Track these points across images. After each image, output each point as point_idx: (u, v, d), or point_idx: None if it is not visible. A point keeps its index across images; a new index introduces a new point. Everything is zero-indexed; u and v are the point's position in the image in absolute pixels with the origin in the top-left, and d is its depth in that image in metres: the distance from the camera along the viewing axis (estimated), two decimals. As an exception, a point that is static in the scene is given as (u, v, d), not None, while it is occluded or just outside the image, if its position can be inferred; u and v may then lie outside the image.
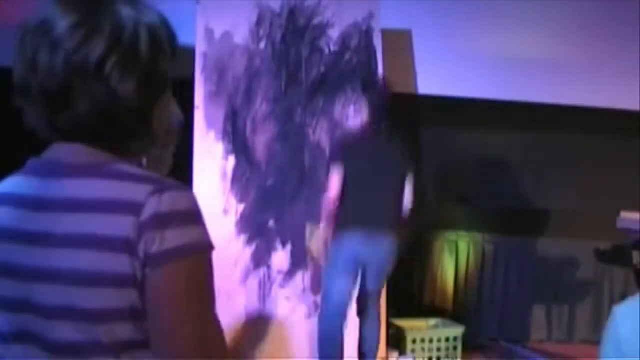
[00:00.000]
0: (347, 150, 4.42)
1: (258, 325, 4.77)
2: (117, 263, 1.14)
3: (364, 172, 4.36)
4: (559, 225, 5.90)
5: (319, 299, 4.93)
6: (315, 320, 4.68)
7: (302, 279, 4.94)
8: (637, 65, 5.60)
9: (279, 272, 4.91)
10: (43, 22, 1.19)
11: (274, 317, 4.87)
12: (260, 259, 4.90)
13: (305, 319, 4.91)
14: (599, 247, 5.80)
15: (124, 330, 1.16)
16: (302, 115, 5.06)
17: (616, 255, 5.67)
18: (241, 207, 4.89)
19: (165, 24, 1.26)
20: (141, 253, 1.14)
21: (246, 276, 4.81)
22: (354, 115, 4.87)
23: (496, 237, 5.93)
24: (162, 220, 1.14)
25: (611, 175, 5.69)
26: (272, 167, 5.01)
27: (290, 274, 4.94)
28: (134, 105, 1.20)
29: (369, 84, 4.69)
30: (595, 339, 5.77)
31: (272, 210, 4.97)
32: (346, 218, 4.36)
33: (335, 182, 4.33)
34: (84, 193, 1.18)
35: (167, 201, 1.15)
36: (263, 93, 5.01)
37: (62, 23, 1.18)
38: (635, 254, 5.14)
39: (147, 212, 1.14)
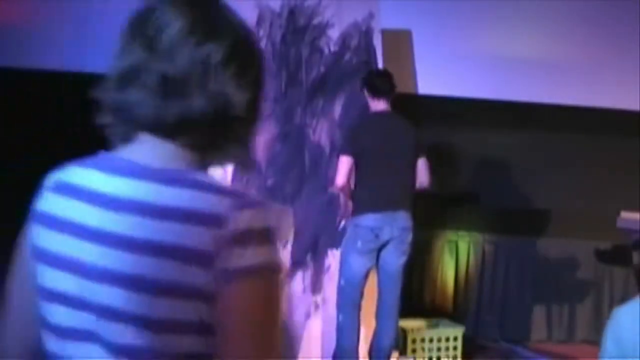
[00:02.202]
0: (358, 135, 4.56)
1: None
2: (192, 275, 1.12)
3: (378, 153, 4.52)
4: (559, 225, 5.90)
5: (319, 298, 4.94)
6: (315, 320, 4.68)
7: (302, 279, 4.95)
8: (637, 65, 5.60)
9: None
10: (163, 13, 1.18)
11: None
12: (260, 259, 4.90)
13: (305, 319, 4.91)
14: (599, 247, 5.80)
15: (189, 343, 1.14)
16: (302, 115, 5.06)
17: (616, 255, 5.67)
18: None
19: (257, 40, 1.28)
20: (218, 267, 1.12)
21: (246, 276, 4.81)
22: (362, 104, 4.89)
23: (496, 237, 5.93)
24: (243, 237, 1.13)
25: (611, 175, 5.69)
26: (272, 167, 5.01)
27: (290, 274, 4.94)
28: (244, 115, 1.20)
29: (369, 76, 4.79)
30: (595, 339, 5.77)
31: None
32: (364, 199, 4.54)
33: (343, 170, 4.48)
34: (163, 199, 1.15)
35: (248, 217, 1.14)
36: (263, 93, 5.01)
37: (184, 19, 1.17)
38: (635, 254, 5.15)
39: (229, 226, 1.13)
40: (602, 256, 5.81)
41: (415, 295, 5.83)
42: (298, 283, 4.94)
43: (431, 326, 5.34)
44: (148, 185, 1.17)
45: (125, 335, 1.14)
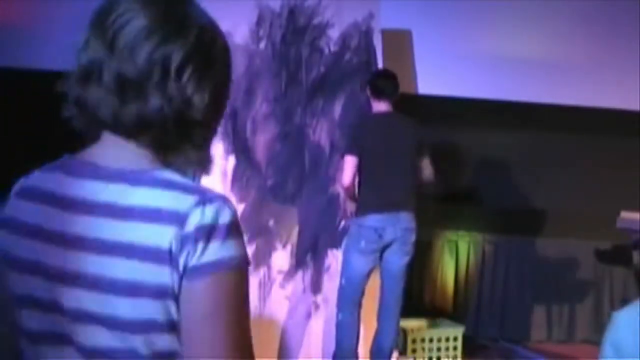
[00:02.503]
0: (362, 135, 4.57)
1: (258, 325, 4.77)
2: (158, 274, 1.12)
3: (382, 153, 4.53)
4: (559, 225, 5.91)
5: (319, 298, 4.94)
6: (315, 320, 4.68)
7: (302, 279, 4.94)
8: (637, 65, 5.60)
9: (279, 272, 4.91)
10: (124, 12, 1.16)
11: (274, 317, 4.87)
12: (260, 259, 4.90)
13: (305, 319, 4.91)
14: (599, 247, 5.81)
15: (161, 341, 1.14)
16: (302, 115, 5.06)
17: (616, 255, 5.67)
18: (241, 207, 4.89)
19: (224, 34, 1.25)
20: (181, 265, 1.12)
21: (246, 276, 4.80)
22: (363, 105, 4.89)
23: (496, 237, 5.94)
24: (205, 233, 1.12)
25: (611, 175, 5.70)
26: (272, 167, 5.01)
27: (290, 274, 4.94)
28: (204, 115, 1.19)
29: (373, 74, 4.82)
30: (595, 339, 5.77)
31: (272, 210, 4.97)
32: (368, 199, 4.54)
33: (349, 170, 4.50)
34: (126, 199, 1.15)
35: (210, 213, 1.13)
36: (263, 93, 5.01)
37: (144, 18, 1.16)
38: (635, 254, 5.15)
39: (191, 223, 1.12)
40: (602, 256, 5.81)
41: (415, 295, 5.83)
42: (298, 283, 4.94)
43: (431, 326, 5.34)
44: (110, 186, 1.17)
45: (96, 337, 1.15)
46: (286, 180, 5.00)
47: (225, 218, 1.14)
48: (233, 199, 4.89)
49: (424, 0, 5.71)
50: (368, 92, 4.72)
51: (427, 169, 4.71)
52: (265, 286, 4.88)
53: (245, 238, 5.09)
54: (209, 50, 1.20)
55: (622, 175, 5.59)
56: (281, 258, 4.92)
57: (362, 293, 4.62)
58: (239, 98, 4.99)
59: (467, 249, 5.92)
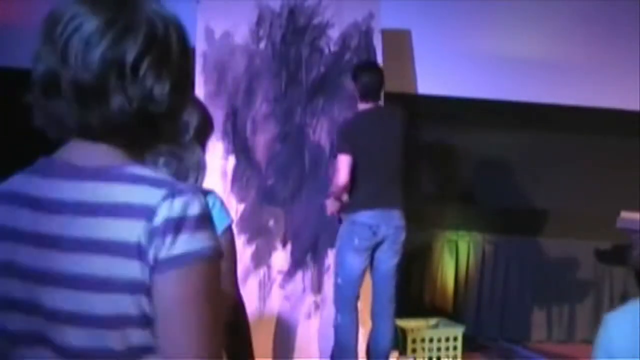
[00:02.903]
0: (354, 133, 4.55)
1: (258, 325, 4.77)
2: (129, 268, 1.13)
3: (374, 151, 4.51)
4: (559, 225, 5.90)
5: (319, 299, 4.94)
6: (315, 320, 4.68)
7: (302, 279, 4.94)
8: (637, 65, 5.60)
9: (279, 272, 4.91)
10: (73, 16, 1.17)
11: (273, 317, 4.87)
12: (260, 259, 4.90)
13: (305, 319, 4.91)
14: (599, 247, 5.80)
15: (136, 336, 1.15)
16: (302, 115, 5.06)
17: (616, 255, 5.67)
18: (241, 207, 4.89)
19: (180, 20, 1.25)
20: (151, 258, 1.12)
21: (246, 276, 4.81)
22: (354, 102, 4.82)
23: (496, 237, 5.93)
24: (174, 225, 1.13)
25: (611, 175, 5.69)
26: (272, 167, 5.01)
27: (290, 274, 4.94)
28: (167, 106, 1.19)
29: (362, 69, 4.74)
30: (595, 339, 5.77)
31: (272, 210, 4.97)
32: (361, 196, 4.51)
33: (344, 169, 4.47)
34: (96, 196, 1.16)
35: (179, 206, 1.14)
36: (263, 93, 5.01)
37: (95, 20, 1.16)
38: (635, 254, 5.14)
39: (159, 216, 1.13)
40: (602, 256, 5.80)
41: (415, 295, 5.83)
42: (298, 283, 4.94)
43: (431, 326, 5.34)
44: (81, 184, 1.18)
45: (73, 335, 1.15)
46: (286, 180, 5.00)
47: (194, 210, 1.15)
48: (233, 199, 4.89)
49: (424, 0, 5.71)
50: (356, 90, 4.66)
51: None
52: (265, 286, 4.88)
53: (245, 238, 5.11)
54: (163, 43, 1.19)
55: (622, 175, 5.59)
56: (281, 258, 4.92)
57: (359, 292, 4.59)
58: (239, 98, 4.99)
59: (467, 249, 5.92)
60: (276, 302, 4.89)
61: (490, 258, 5.92)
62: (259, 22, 5.05)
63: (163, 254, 1.12)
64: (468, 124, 5.77)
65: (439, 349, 5.14)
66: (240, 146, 4.97)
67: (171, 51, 1.20)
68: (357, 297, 4.59)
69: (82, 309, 1.14)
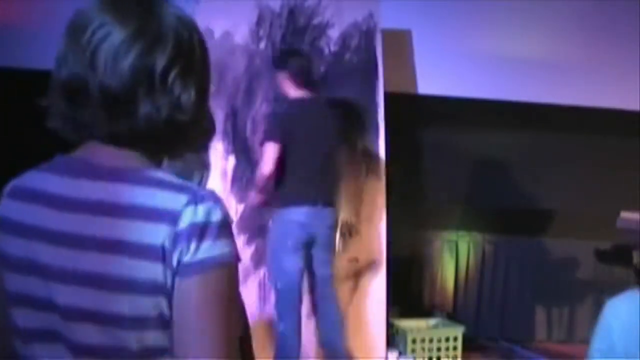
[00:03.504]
0: (286, 126, 4.29)
1: (258, 325, 4.77)
2: (150, 271, 1.14)
3: (306, 141, 4.27)
4: (559, 225, 5.90)
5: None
6: (315, 320, 4.67)
7: (302, 279, 4.93)
8: (637, 65, 5.60)
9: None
10: (101, 25, 1.17)
11: (273, 317, 4.86)
12: (260, 259, 4.89)
13: (305, 319, 4.90)
14: (599, 247, 5.80)
15: (152, 337, 1.16)
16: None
17: (616, 255, 5.67)
18: (241, 207, 4.89)
19: (198, 26, 1.26)
20: (174, 262, 1.14)
21: (246, 276, 4.80)
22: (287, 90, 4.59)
23: (496, 237, 5.93)
24: (198, 231, 1.15)
25: (611, 175, 5.69)
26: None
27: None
28: (193, 113, 1.21)
29: (290, 55, 4.58)
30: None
31: (272, 211, 4.96)
32: (293, 191, 4.26)
33: (270, 157, 4.20)
34: (118, 198, 1.17)
35: (202, 212, 1.16)
36: (263, 93, 5.01)
37: (123, 30, 1.17)
38: (635, 254, 5.14)
39: (184, 221, 1.14)
40: (602, 256, 5.80)
41: (415, 295, 5.83)
42: (298, 283, 4.93)
43: (431, 326, 5.34)
44: (103, 184, 1.18)
45: (88, 334, 1.16)
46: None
47: (217, 216, 1.17)
48: (233, 199, 4.89)
49: (424, 0, 5.71)
50: (287, 77, 4.44)
51: (341, 160, 4.49)
52: (265, 286, 4.88)
53: (245, 238, 5.09)
54: (188, 51, 1.21)
55: (622, 175, 5.59)
56: (281, 258, 4.91)
57: (301, 296, 4.32)
58: (239, 98, 4.99)
59: (467, 249, 5.92)
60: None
61: (490, 258, 5.92)
62: (259, 22, 5.05)
63: (187, 258, 1.14)
64: (468, 124, 5.77)
65: (439, 349, 5.14)
66: (240, 146, 4.97)
67: (195, 59, 1.22)
68: (301, 301, 4.33)
69: (100, 308, 1.15)
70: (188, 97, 1.19)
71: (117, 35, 1.16)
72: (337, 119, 4.49)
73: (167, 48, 1.18)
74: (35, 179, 1.24)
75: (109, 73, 1.16)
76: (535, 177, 5.87)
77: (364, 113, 5.02)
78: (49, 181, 1.22)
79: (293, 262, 4.27)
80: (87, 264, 1.15)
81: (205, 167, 2.15)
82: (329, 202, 4.35)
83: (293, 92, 4.45)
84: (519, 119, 5.79)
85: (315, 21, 5.11)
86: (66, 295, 1.17)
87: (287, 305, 4.29)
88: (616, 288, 6.03)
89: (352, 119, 4.69)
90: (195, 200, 1.16)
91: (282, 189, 4.30)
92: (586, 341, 6.22)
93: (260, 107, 5.03)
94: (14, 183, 1.27)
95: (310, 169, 4.29)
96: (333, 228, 4.38)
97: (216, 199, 1.19)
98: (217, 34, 5.01)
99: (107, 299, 1.14)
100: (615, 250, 5.68)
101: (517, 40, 5.76)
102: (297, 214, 4.26)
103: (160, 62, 1.17)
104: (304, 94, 4.45)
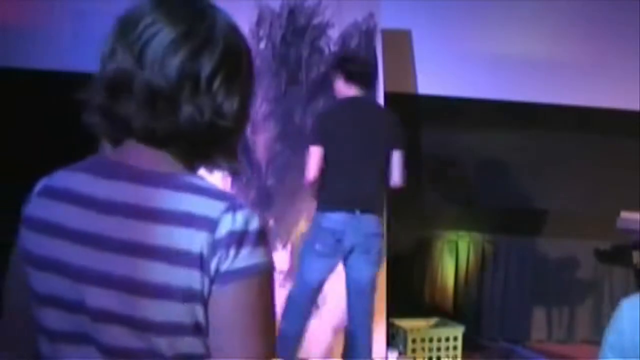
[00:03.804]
0: (327, 126, 4.11)
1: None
2: (187, 278, 1.13)
3: (349, 143, 4.08)
4: (559, 225, 5.91)
5: (319, 298, 4.93)
6: (315, 320, 4.67)
7: (302, 279, 4.94)
8: (637, 65, 5.60)
9: (279, 272, 4.91)
10: (152, 23, 1.17)
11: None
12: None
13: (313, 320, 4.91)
14: (599, 247, 5.81)
15: (185, 344, 1.15)
16: (302, 115, 5.06)
17: (616, 255, 5.67)
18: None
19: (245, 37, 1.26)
20: (212, 269, 1.13)
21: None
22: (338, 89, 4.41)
23: (496, 237, 5.93)
24: (237, 239, 1.14)
25: (611, 175, 5.70)
26: (272, 167, 5.01)
27: (290, 274, 4.94)
28: (234, 121, 1.20)
29: (346, 59, 4.39)
30: (595, 339, 5.77)
31: (272, 210, 4.97)
32: (329, 195, 4.07)
33: (314, 162, 4.03)
34: (156, 202, 1.16)
35: (241, 220, 1.15)
36: (263, 93, 5.01)
37: (173, 30, 1.16)
38: (635, 254, 5.15)
39: (222, 229, 1.14)
40: (602, 256, 5.81)
41: (415, 295, 5.83)
42: (298, 283, 4.93)
43: (431, 326, 5.34)
44: (138, 187, 1.17)
45: (120, 337, 1.15)
46: (286, 181, 5.00)
47: (254, 225, 1.16)
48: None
49: (424, 0, 5.71)
50: (337, 75, 4.23)
51: (395, 170, 4.15)
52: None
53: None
54: (235, 58, 1.20)
55: (622, 175, 5.59)
56: (281, 258, 4.92)
57: (313, 304, 4.20)
58: (239, 98, 4.99)
59: (467, 249, 5.92)
60: (276, 302, 4.87)
61: (490, 258, 5.92)
62: (259, 22, 5.05)
63: (225, 266, 1.13)
64: (468, 124, 5.77)
65: (439, 349, 5.14)
66: (240, 146, 4.97)
67: (242, 68, 1.21)
68: (310, 309, 4.19)
69: (131, 312, 1.14)
70: (231, 104, 1.19)
71: (167, 34, 1.16)
72: (386, 118, 4.21)
73: (216, 52, 1.17)
74: (68, 178, 1.23)
75: (156, 71, 1.15)
76: (535, 177, 5.87)
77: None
78: (83, 181, 1.21)
79: (314, 269, 4.10)
80: (118, 267, 1.14)
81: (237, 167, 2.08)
82: (370, 208, 4.08)
83: (343, 90, 4.23)
84: (519, 119, 5.79)
85: (315, 21, 5.12)
86: (96, 297, 1.16)
87: (294, 308, 4.14)
88: (616, 288, 6.07)
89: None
90: (233, 207, 1.16)
91: (321, 192, 4.12)
92: (586, 341, 6.23)
93: (260, 107, 5.03)
94: (44, 182, 1.25)
95: (349, 171, 4.08)
96: (374, 236, 4.08)
97: (251, 208, 1.19)
98: (217, 34, 5.01)
99: (139, 303, 1.13)
100: (615, 250, 5.68)
101: (517, 40, 5.76)
102: (330, 221, 4.04)
103: (207, 66, 1.17)
104: (354, 92, 4.21)
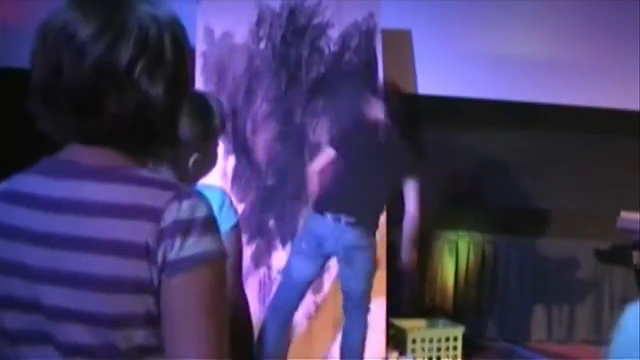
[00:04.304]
0: (346, 136, 4.38)
1: (258, 325, 4.77)
2: (135, 269, 1.14)
3: (356, 159, 4.25)
4: (559, 225, 5.90)
5: (319, 298, 4.94)
6: (315, 320, 4.67)
7: (302, 279, 4.93)
8: (637, 65, 5.60)
9: (279, 272, 4.90)
10: (65, 26, 1.18)
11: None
12: (260, 259, 4.90)
13: (305, 319, 4.91)
14: (599, 247, 5.80)
15: (139, 336, 1.16)
16: (302, 115, 5.06)
17: (616, 255, 5.67)
18: (241, 207, 4.89)
19: (178, 19, 1.26)
20: (159, 259, 1.14)
21: (246, 276, 4.80)
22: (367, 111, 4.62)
23: (496, 237, 5.93)
24: (182, 227, 1.15)
25: (611, 175, 5.69)
26: (272, 167, 5.01)
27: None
28: (163, 108, 1.20)
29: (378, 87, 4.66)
30: (595, 339, 5.77)
31: (272, 210, 4.97)
32: (321, 198, 4.26)
33: (321, 158, 4.30)
34: (101, 196, 1.17)
35: (186, 208, 1.16)
36: (263, 93, 5.01)
37: (86, 28, 1.17)
38: (635, 254, 5.15)
39: (168, 218, 1.15)
40: (602, 256, 5.80)
41: (415, 295, 5.83)
42: (298, 283, 4.93)
43: (431, 326, 5.34)
44: (86, 184, 1.19)
45: (76, 334, 1.16)
46: (286, 181, 5.00)
47: (201, 213, 1.17)
48: (233, 199, 4.89)
49: (424, 0, 5.71)
50: (375, 100, 4.53)
51: (410, 200, 4.29)
52: (265, 286, 4.88)
53: (245, 238, 5.08)
54: (156, 45, 1.19)
55: (622, 175, 5.59)
56: (281, 258, 4.91)
57: (298, 303, 4.24)
58: (239, 98, 4.99)
59: (467, 249, 5.92)
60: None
61: (490, 258, 5.92)
62: (259, 22, 5.05)
63: (172, 255, 1.14)
64: (468, 124, 5.77)
65: (439, 349, 5.14)
66: (240, 146, 4.97)
67: (165, 53, 1.20)
68: (295, 308, 4.25)
69: (85, 308, 1.15)
70: (155, 91, 1.18)
71: (80, 34, 1.16)
72: (401, 152, 4.36)
73: (130, 43, 1.17)
74: (22, 181, 1.25)
75: (73, 76, 1.16)
76: (535, 177, 5.87)
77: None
78: (34, 183, 1.23)
79: (301, 267, 4.20)
80: (70, 264, 1.16)
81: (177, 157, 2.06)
82: (358, 220, 4.15)
83: (373, 114, 4.42)
84: (519, 119, 5.78)
85: (315, 21, 5.12)
86: (51, 295, 1.17)
87: (279, 300, 4.25)
88: (616, 288, 6.07)
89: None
90: (179, 196, 1.16)
91: (318, 193, 4.30)
92: (586, 341, 6.23)
93: (261, 107, 5.03)
94: (2, 187, 1.27)
95: (349, 181, 4.21)
96: (355, 249, 4.15)
97: (200, 195, 1.19)
98: (217, 34, 5.01)
99: (91, 298, 1.14)
100: (615, 250, 5.68)
101: (517, 40, 5.76)
102: (316, 222, 4.17)
103: (123, 58, 1.16)
104: (382, 120, 4.40)
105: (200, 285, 1.15)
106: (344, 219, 4.12)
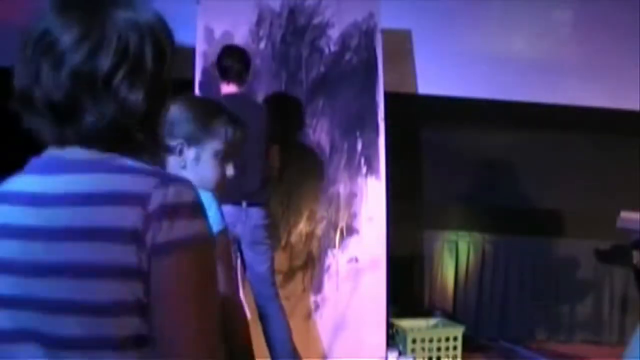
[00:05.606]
0: None
1: (258, 325, 4.77)
2: (124, 254, 1.14)
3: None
4: (559, 225, 5.90)
5: (319, 298, 4.94)
6: (315, 320, 4.67)
7: (302, 279, 4.94)
8: (637, 65, 5.60)
9: (279, 272, 4.91)
10: (45, 33, 1.19)
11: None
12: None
13: (305, 319, 4.91)
14: (599, 247, 5.80)
15: (130, 325, 1.16)
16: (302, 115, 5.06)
17: (616, 255, 5.67)
18: (241, 207, 4.89)
19: (163, 22, 1.25)
20: (148, 243, 1.15)
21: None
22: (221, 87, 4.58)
23: (496, 237, 5.93)
24: (170, 211, 1.16)
25: (611, 175, 5.69)
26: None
27: (290, 274, 4.94)
28: (142, 114, 1.21)
29: (219, 57, 4.53)
30: (595, 339, 5.78)
31: (272, 210, 4.96)
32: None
33: None
34: (86, 187, 1.18)
35: (172, 193, 1.17)
36: (263, 93, 5.01)
37: (66, 36, 1.18)
38: (635, 254, 5.14)
39: (154, 203, 1.15)
40: (602, 256, 5.80)
41: (415, 295, 5.83)
42: (298, 283, 4.94)
43: (431, 326, 5.34)
44: (72, 176, 1.20)
45: (67, 326, 1.16)
46: (286, 180, 5.00)
47: (187, 197, 1.18)
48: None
49: (424, 0, 5.71)
50: (218, 71, 4.48)
51: (274, 158, 4.46)
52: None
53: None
54: (136, 52, 1.20)
55: (622, 175, 5.59)
56: (281, 258, 4.92)
57: None
58: (239, 98, 4.98)
59: (467, 249, 5.92)
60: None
61: (490, 258, 5.92)
62: (259, 22, 5.05)
63: (160, 239, 1.15)
64: (468, 124, 5.77)
65: (439, 349, 5.14)
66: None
67: (145, 61, 1.21)
68: None
69: (76, 297, 1.15)
70: (135, 98, 1.19)
71: (59, 43, 1.17)
72: (262, 114, 4.40)
73: (110, 52, 1.18)
74: (14, 182, 1.26)
75: (51, 84, 1.17)
76: (535, 177, 5.87)
77: (364, 113, 5.03)
78: (24, 181, 1.24)
79: None
80: (60, 255, 1.16)
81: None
82: (256, 201, 4.30)
83: (224, 88, 4.44)
84: (519, 119, 5.79)
85: (315, 21, 5.11)
86: (38, 289, 1.17)
87: None
88: (616, 288, 6.07)
89: (278, 117, 4.58)
90: (165, 182, 1.17)
91: None
92: (586, 341, 6.21)
93: (260, 107, 5.02)
94: None
95: (236, 167, 4.21)
96: (259, 227, 4.29)
97: (186, 181, 1.20)
98: (217, 34, 5.01)
99: (83, 286, 1.15)
100: (615, 250, 5.68)
101: (517, 40, 5.76)
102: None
103: (104, 65, 1.17)
104: (234, 90, 4.43)
105: (188, 268, 1.16)
106: (244, 203, 4.25)
